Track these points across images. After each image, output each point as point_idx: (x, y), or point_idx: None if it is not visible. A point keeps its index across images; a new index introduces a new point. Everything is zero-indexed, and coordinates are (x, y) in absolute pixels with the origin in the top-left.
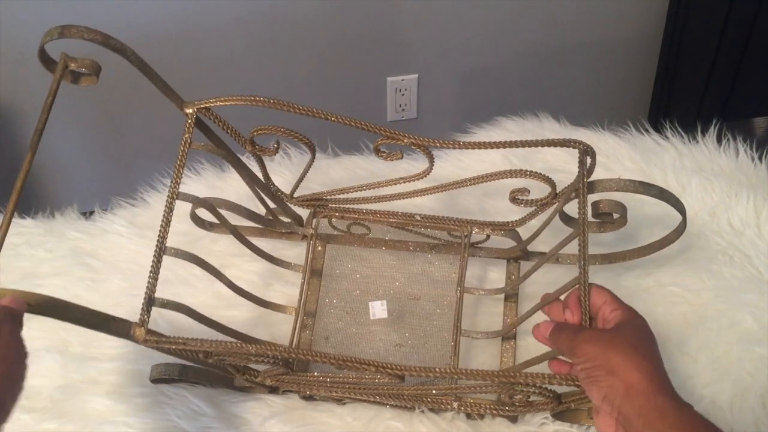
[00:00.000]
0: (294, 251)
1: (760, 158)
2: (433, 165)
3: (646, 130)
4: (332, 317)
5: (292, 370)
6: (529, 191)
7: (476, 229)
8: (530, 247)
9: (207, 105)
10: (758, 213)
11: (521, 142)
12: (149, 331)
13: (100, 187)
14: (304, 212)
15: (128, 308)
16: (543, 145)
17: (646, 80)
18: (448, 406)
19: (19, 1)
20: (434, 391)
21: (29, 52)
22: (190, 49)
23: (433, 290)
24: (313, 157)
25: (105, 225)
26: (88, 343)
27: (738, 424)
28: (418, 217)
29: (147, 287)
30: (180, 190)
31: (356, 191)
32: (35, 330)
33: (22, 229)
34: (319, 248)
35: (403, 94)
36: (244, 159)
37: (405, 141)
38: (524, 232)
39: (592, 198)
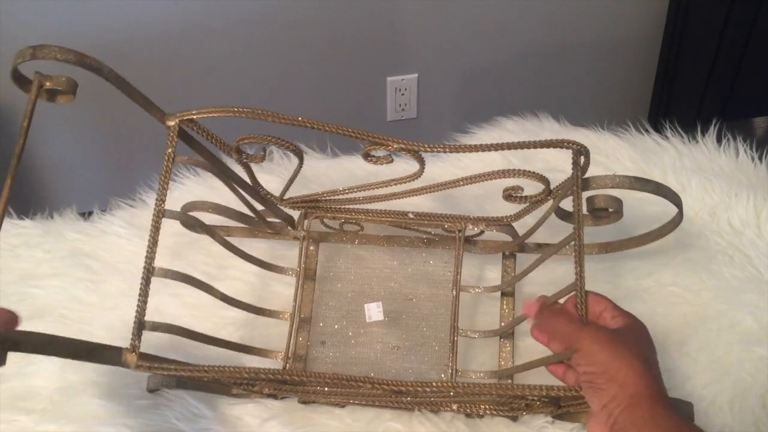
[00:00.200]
0: (293, 252)
1: (760, 158)
2: (423, 168)
3: (646, 130)
4: (328, 320)
5: (288, 383)
6: (522, 189)
7: (470, 225)
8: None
9: (189, 117)
10: (758, 213)
11: (514, 144)
12: (141, 357)
13: (98, 188)
14: (295, 213)
15: (126, 310)
16: (537, 147)
17: (646, 80)
18: (448, 408)
19: (19, 1)
20: (432, 398)
21: None
22: (190, 48)
23: (429, 290)
24: (301, 162)
25: (104, 226)
26: None
27: (738, 424)
28: (412, 215)
29: (137, 311)
30: (179, 192)
31: (347, 193)
32: (35, 330)
33: (20, 230)
34: (312, 248)
35: (403, 94)
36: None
37: (394, 146)
38: (520, 228)
39: (588, 194)
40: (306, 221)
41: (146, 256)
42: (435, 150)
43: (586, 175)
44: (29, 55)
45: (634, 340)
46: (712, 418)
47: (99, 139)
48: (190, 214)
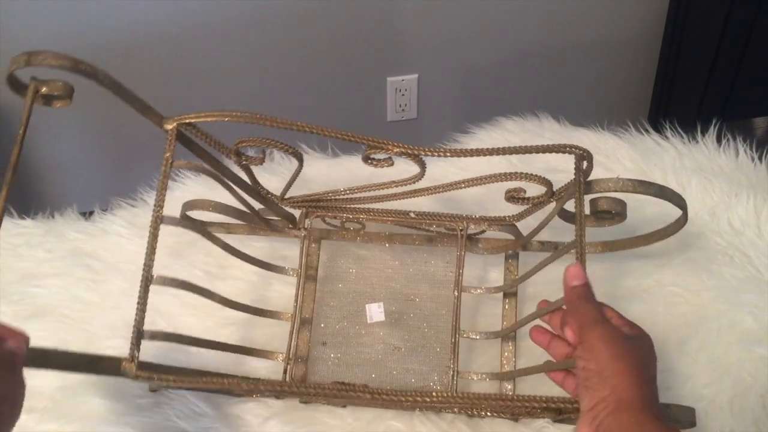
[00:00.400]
0: (295, 251)
1: (760, 158)
2: (424, 171)
3: (646, 130)
4: (329, 320)
5: (288, 393)
6: (525, 190)
7: (473, 225)
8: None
9: (187, 120)
10: (758, 213)
11: (515, 149)
12: (141, 366)
13: (99, 187)
14: (297, 212)
15: (127, 310)
16: (538, 151)
17: (646, 80)
18: (449, 411)
19: (19, 0)
20: (433, 404)
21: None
22: (189, 48)
23: (431, 290)
24: (301, 164)
25: (105, 225)
26: (88, 343)
27: (738, 424)
28: (413, 215)
29: (135, 320)
30: (180, 191)
31: (349, 194)
32: (35, 330)
33: (21, 229)
34: (314, 247)
35: (403, 95)
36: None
37: (394, 150)
38: (522, 229)
39: (591, 197)
40: (307, 220)
41: (144, 264)
42: (436, 154)
43: (590, 178)
44: (24, 62)
45: (638, 349)
46: (712, 418)
47: (100, 138)
48: (191, 217)
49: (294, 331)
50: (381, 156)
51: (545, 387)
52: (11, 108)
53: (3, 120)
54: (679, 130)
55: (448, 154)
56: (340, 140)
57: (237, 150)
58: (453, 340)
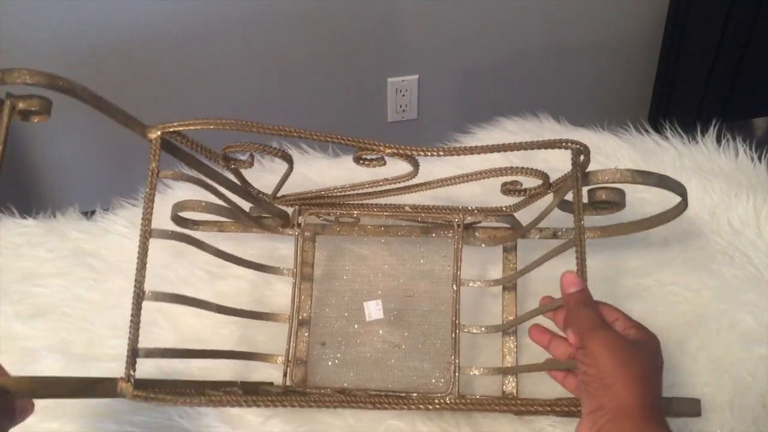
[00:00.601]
0: (293, 250)
1: (759, 158)
2: (417, 171)
3: (646, 131)
4: (328, 320)
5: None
6: (521, 183)
7: (469, 217)
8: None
9: (171, 129)
10: (758, 213)
11: (512, 146)
12: (137, 385)
13: (101, 187)
14: (290, 211)
15: (128, 309)
16: (536, 147)
17: (646, 80)
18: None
19: (19, 1)
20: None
21: (29, 53)
22: (189, 48)
23: (429, 285)
24: (291, 167)
25: (106, 225)
26: (89, 343)
27: (738, 423)
28: (408, 208)
29: (129, 338)
30: (181, 190)
31: (341, 192)
32: (36, 330)
33: (23, 229)
34: (309, 244)
35: (403, 95)
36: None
37: (386, 151)
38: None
39: (589, 188)
40: (300, 217)
41: (135, 281)
42: (428, 153)
43: (588, 170)
44: None
45: (642, 355)
46: (712, 417)
47: (101, 138)
48: (181, 224)
49: (292, 332)
50: (372, 156)
51: (549, 382)
52: None
53: None
54: (679, 130)
55: (441, 153)
56: (341, 133)
57: (225, 155)
58: (453, 335)
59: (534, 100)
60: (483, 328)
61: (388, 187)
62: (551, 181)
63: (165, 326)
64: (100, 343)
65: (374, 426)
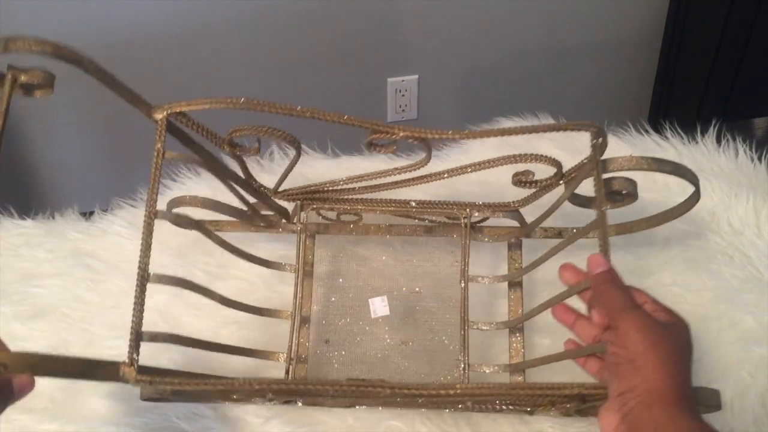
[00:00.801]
0: (293, 252)
1: (759, 158)
2: (430, 156)
3: (646, 131)
4: (331, 317)
5: (300, 393)
6: (533, 173)
7: (476, 212)
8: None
9: (178, 109)
10: (758, 213)
11: (528, 128)
12: (141, 370)
13: (100, 187)
14: (290, 206)
15: (127, 309)
16: (553, 130)
17: (646, 80)
18: (461, 406)
19: (21, 2)
20: (456, 397)
21: (30, 52)
22: (189, 48)
23: (436, 281)
24: (299, 154)
25: (105, 226)
26: (89, 343)
27: (738, 423)
28: (414, 204)
29: (133, 321)
30: (179, 192)
31: (347, 183)
32: (36, 330)
33: (22, 229)
34: (309, 241)
35: (403, 95)
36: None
37: (400, 134)
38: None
39: (604, 176)
40: (303, 213)
41: (140, 262)
42: (443, 136)
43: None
44: (1, 49)
45: (673, 337)
46: (712, 417)
47: (100, 138)
48: (182, 212)
49: (294, 329)
50: (384, 141)
51: (556, 379)
52: (12, 106)
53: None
54: (679, 130)
55: (457, 136)
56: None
57: (230, 140)
58: (462, 332)
59: (534, 100)
60: (493, 324)
61: (396, 177)
62: (564, 171)
63: (164, 328)
64: (100, 343)
65: (374, 426)
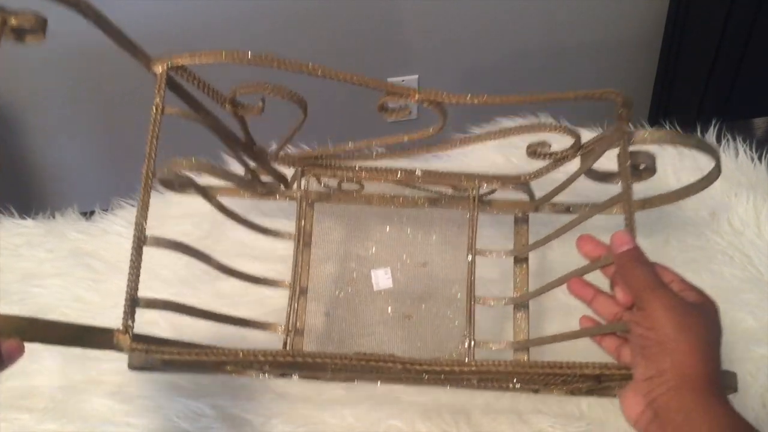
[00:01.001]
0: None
1: (760, 158)
2: (445, 121)
3: None
4: (332, 289)
5: (301, 366)
6: (550, 144)
7: (485, 183)
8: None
9: (179, 62)
10: (758, 213)
11: (551, 96)
12: (136, 338)
13: (100, 187)
14: (289, 174)
15: None
16: (574, 98)
17: (646, 80)
18: (467, 382)
19: (21, 3)
20: (471, 373)
21: (30, 53)
22: (189, 48)
23: (442, 254)
24: (305, 116)
25: (105, 225)
26: None
27: None
28: (419, 173)
29: (128, 286)
30: (180, 194)
31: (354, 148)
32: None
33: (22, 229)
34: (308, 210)
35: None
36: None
37: (415, 97)
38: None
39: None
40: (303, 180)
41: (136, 224)
42: (460, 101)
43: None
44: None
45: (702, 319)
46: None
47: (100, 138)
48: (172, 162)
49: (293, 299)
50: (397, 105)
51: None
52: (12, 107)
53: (3, 119)
54: (679, 130)
55: (476, 100)
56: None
57: (233, 98)
58: (468, 307)
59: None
60: (503, 300)
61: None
62: (581, 144)
63: (164, 327)
64: None
65: (374, 426)
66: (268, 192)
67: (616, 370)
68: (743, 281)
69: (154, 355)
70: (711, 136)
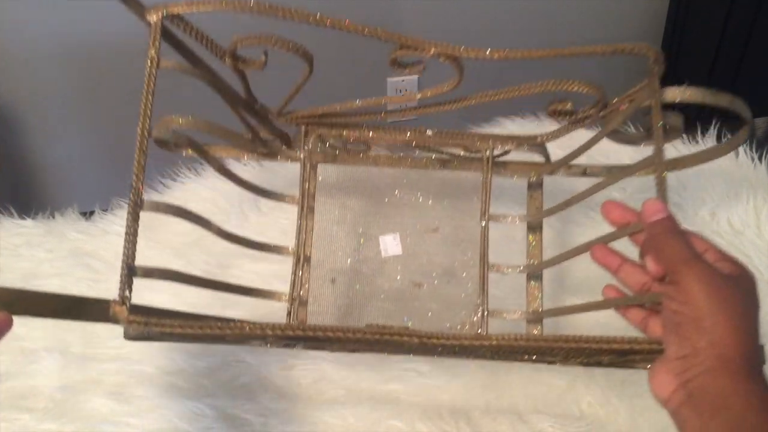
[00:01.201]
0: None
1: (760, 158)
2: (462, 78)
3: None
4: (338, 256)
5: (311, 339)
6: (571, 103)
7: (499, 144)
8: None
9: (176, 10)
10: (758, 213)
11: (580, 50)
12: (133, 309)
13: (100, 187)
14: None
15: None
16: (607, 53)
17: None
18: (480, 354)
19: (21, 3)
20: (490, 347)
21: (30, 53)
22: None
23: (453, 220)
24: (310, 71)
25: (105, 225)
26: (88, 343)
27: None
28: (430, 133)
29: (124, 254)
30: (180, 191)
31: (363, 106)
32: (36, 330)
33: (22, 229)
34: (311, 172)
35: (403, 95)
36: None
37: (431, 51)
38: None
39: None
40: (307, 140)
41: (132, 187)
42: (478, 56)
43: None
44: None
45: (741, 295)
46: None
47: (100, 138)
48: (167, 119)
49: (297, 266)
50: (411, 59)
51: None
52: (12, 107)
53: (3, 119)
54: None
55: (495, 55)
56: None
57: (233, 51)
58: (482, 274)
59: (534, 100)
60: (520, 268)
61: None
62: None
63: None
64: (99, 343)
65: (374, 426)
66: (269, 153)
67: (647, 345)
68: None
69: (153, 329)
70: (711, 136)
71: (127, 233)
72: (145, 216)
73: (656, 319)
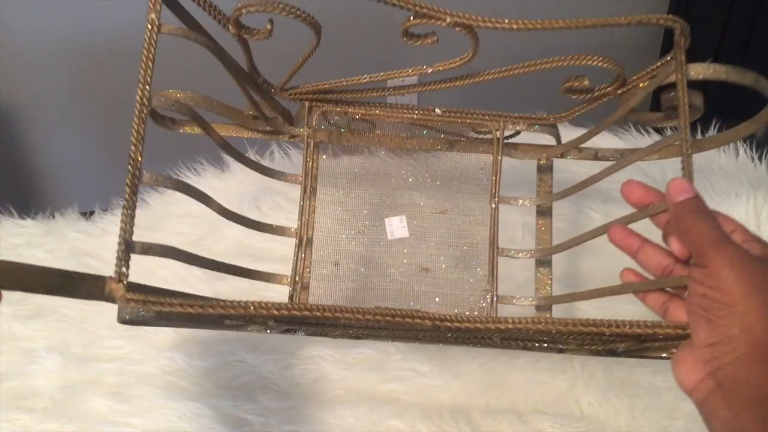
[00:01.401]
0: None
1: (760, 158)
2: (477, 50)
3: (647, 131)
4: (342, 238)
5: (318, 322)
6: (588, 79)
7: (510, 124)
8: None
9: None
10: (758, 213)
11: (594, 22)
12: (131, 287)
13: (100, 187)
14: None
15: None
16: (627, 24)
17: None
18: (489, 341)
19: (21, 3)
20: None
21: (30, 53)
22: (189, 49)
23: (461, 202)
24: (318, 42)
25: (105, 225)
26: (89, 343)
27: None
28: (438, 111)
29: (121, 229)
30: (179, 192)
31: (371, 80)
32: (36, 330)
33: (22, 229)
34: (314, 151)
35: (403, 95)
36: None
37: (447, 20)
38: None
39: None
40: (311, 117)
41: (130, 158)
42: (497, 26)
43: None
44: None
45: None
46: None
47: (100, 138)
48: (166, 93)
49: (300, 249)
50: (424, 31)
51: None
52: (12, 107)
53: (3, 119)
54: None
55: (515, 26)
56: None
57: (237, 19)
58: (491, 259)
59: (534, 100)
60: (532, 251)
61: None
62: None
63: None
64: (99, 343)
65: (374, 426)
66: (273, 131)
67: (672, 330)
68: None
69: (152, 308)
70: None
71: (125, 207)
72: (145, 216)
73: (678, 303)
